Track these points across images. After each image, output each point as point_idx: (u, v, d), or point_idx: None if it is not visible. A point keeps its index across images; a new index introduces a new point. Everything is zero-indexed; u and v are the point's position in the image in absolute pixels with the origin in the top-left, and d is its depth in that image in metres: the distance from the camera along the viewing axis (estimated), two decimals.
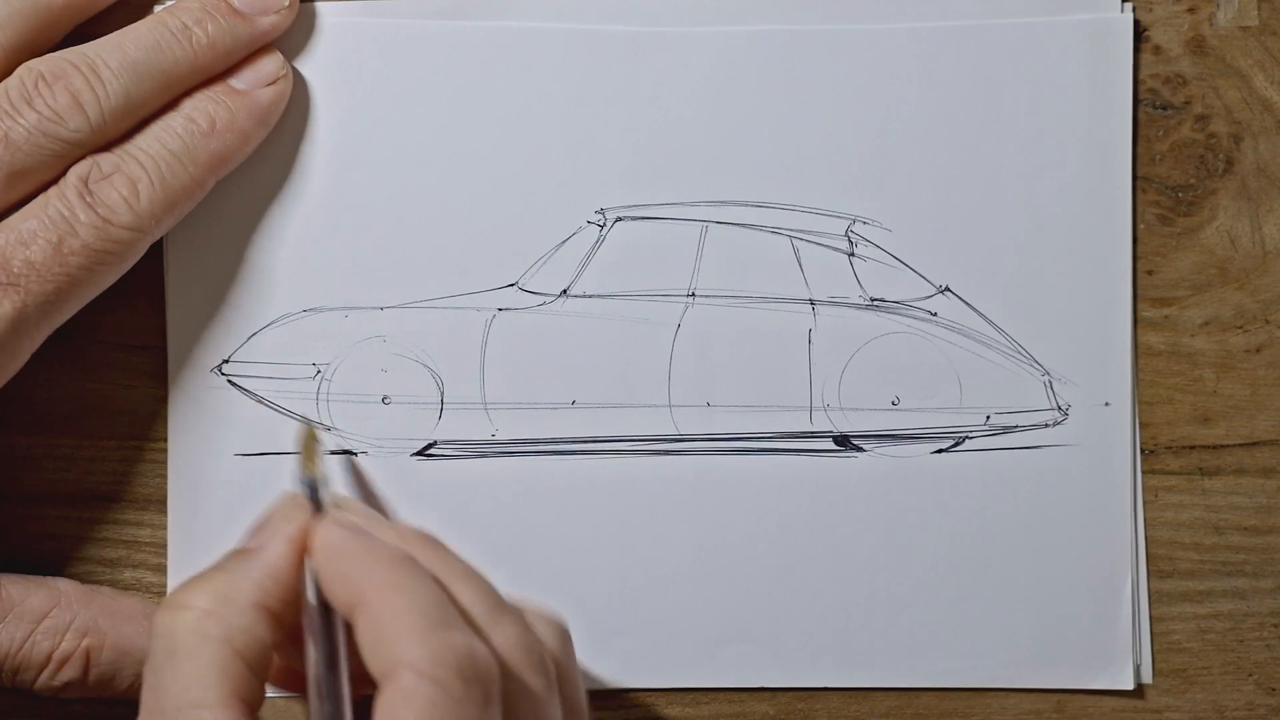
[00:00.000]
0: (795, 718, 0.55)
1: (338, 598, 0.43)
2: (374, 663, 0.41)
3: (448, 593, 0.43)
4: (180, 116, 0.50)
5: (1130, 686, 0.54)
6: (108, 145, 0.50)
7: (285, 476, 0.53)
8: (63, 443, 0.54)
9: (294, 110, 0.53)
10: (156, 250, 0.53)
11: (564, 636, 0.48)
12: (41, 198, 0.49)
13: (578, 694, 0.47)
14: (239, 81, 0.51)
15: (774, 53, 0.54)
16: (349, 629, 0.43)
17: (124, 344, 0.54)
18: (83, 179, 0.49)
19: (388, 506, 0.54)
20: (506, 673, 0.43)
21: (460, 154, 0.54)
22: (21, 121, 0.48)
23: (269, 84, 0.51)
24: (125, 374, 0.54)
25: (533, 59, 0.54)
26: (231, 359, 0.54)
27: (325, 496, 0.47)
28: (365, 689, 0.42)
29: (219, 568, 0.45)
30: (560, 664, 0.46)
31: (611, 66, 0.54)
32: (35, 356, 0.52)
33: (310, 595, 0.44)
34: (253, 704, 0.42)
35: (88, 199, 0.49)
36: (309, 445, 0.49)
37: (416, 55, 0.54)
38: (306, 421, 0.53)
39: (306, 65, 0.53)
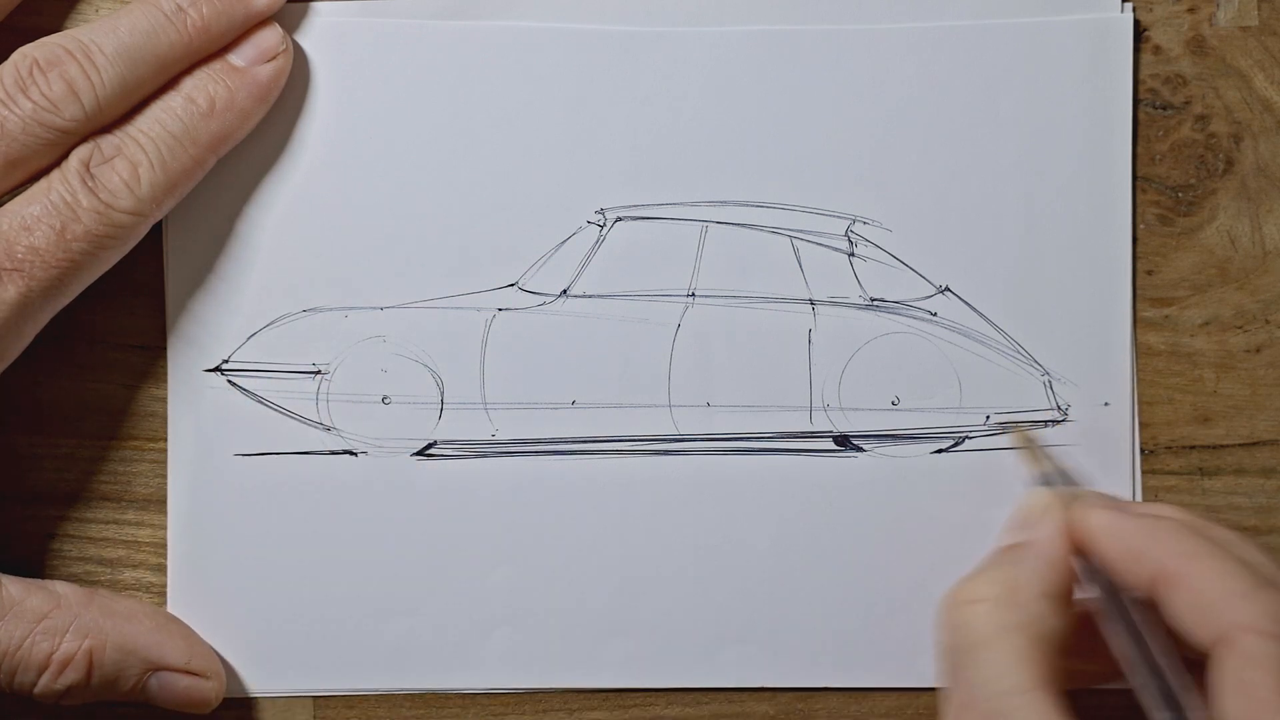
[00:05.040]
0: (795, 718, 0.55)
1: (1134, 575, 0.45)
2: (1199, 631, 0.43)
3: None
4: (180, 96, 0.50)
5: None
6: (105, 127, 0.50)
7: (285, 477, 0.54)
8: (63, 443, 0.54)
9: (293, 110, 0.53)
10: (157, 251, 0.53)
11: None
12: (44, 181, 0.49)
13: None
14: (238, 58, 0.51)
15: (774, 53, 0.54)
16: (1145, 605, 0.45)
17: (124, 344, 0.54)
18: (84, 163, 0.49)
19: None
20: None
21: (460, 154, 0.54)
22: (16, 110, 0.48)
23: (269, 59, 0.51)
24: (125, 374, 0.54)
25: (533, 59, 0.54)
26: (231, 359, 0.54)
27: (1064, 486, 0.49)
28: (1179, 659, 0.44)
29: (996, 562, 0.47)
30: None
31: (611, 66, 0.54)
32: (35, 357, 0.52)
33: (1092, 580, 0.46)
34: (1058, 688, 0.44)
35: (89, 184, 0.49)
36: (1031, 443, 0.52)
37: (416, 55, 0.54)
38: (1016, 425, 0.54)
39: (306, 66, 0.53)
